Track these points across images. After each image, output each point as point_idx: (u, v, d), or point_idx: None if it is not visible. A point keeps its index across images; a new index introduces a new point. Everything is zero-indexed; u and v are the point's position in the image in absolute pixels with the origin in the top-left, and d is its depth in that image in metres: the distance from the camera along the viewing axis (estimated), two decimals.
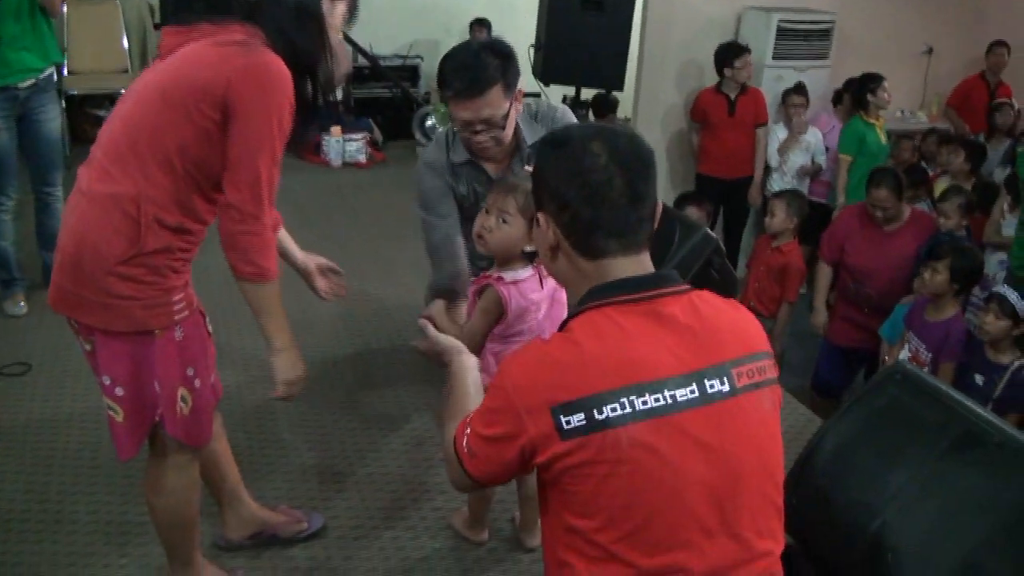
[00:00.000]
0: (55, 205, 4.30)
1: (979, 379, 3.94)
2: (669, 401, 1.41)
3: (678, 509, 1.40)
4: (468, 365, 1.85)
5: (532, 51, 5.85)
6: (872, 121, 5.93)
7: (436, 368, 2.37)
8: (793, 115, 6.15)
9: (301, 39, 2.05)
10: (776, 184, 6.23)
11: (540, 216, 1.57)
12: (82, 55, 6.55)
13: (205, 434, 2.26)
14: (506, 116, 2.82)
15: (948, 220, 4.71)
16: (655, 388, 1.41)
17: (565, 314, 2.48)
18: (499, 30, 6.13)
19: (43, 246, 4.36)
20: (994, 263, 4.89)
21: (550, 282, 2.47)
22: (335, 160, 6.56)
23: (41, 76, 4.01)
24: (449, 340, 1.93)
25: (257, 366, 3.65)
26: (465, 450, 1.56)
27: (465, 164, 3.04)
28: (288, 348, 2.24)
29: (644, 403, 1.40)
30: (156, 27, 6.77)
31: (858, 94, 5.97)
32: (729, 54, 6.02)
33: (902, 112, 7.42)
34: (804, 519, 2.35)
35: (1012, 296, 3.77)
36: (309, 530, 2.75)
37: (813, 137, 6.25)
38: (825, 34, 6.61)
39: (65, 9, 4.72)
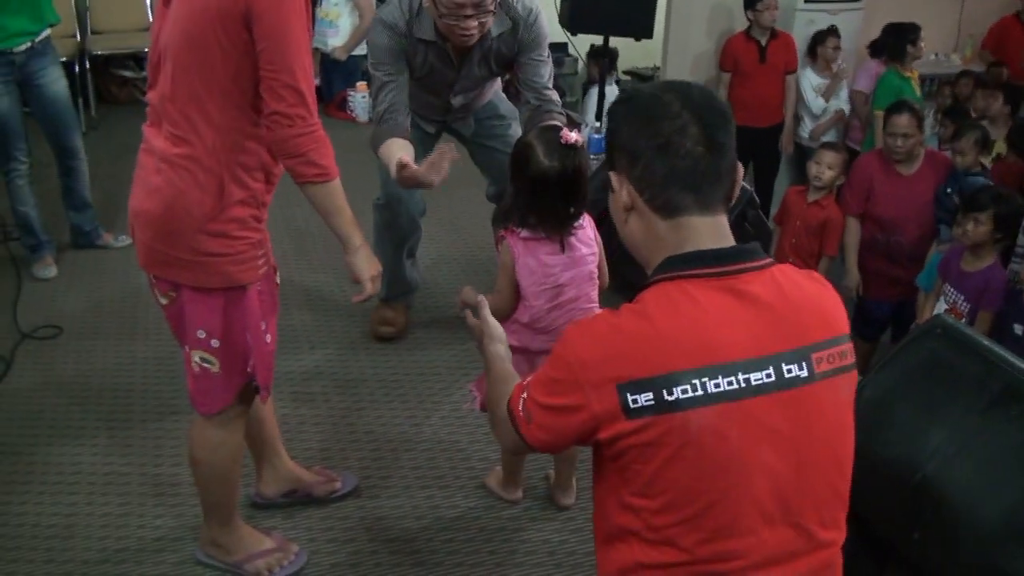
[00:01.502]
0: (80, 168, 4.28)
1: (1018, 329, 3.87)
2: (742, 385, 1.33)
3: (742, 496, 1.34)
4: (498, 354, 1.76)
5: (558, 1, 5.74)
6: (908, 74, 5.75)
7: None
8: (832, 58, 6.01)
9: None
10: (810, 131, 6.12)
11: (612, 177, 1.47)
12: (104, 14, 6.46)
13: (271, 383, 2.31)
14: (493, 2, 2.79)
15: (964, 157, 4.54)
16: (729, 371, 1.32)
17: (596, 288, 2.49)
18: None
19: (70, 207, 4.35)
20: None
21: (577, 249, 2.42)
22: (361, 115, 6.51)
23: (37, 39, 3.95)
24: (481, 328, 1.83)
25: (289, 328, 3.65)
26: (521, 414, 1.48)
27: (427, 41, 2.99)
28: (365, 243, 2.22)
29: (716, 386, 1.32)
30: None
31: (895, 45, 5.77)
32: None
33: (936, 55, 7.24)
34: None
35: None
36: (343, 490, 2.75)
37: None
38: None
39: None
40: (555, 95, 3.14)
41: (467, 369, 3.42)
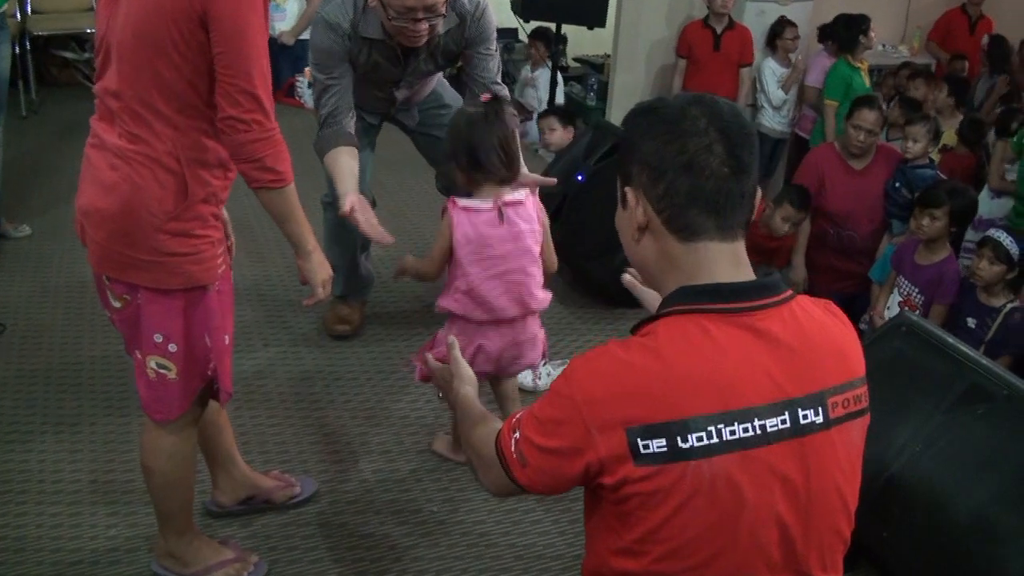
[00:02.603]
0: None
1: (971, 322, 3.91)
2: (758, 432, 1.27)
3: (750, 546, 1.29)
4: (469, 396, 1.68)
5: None
6: (858, 65, 5.82)
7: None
8: (791, 48, 6.08)
9: None
10: (772, 120, 6.17)
11: (628, 192, 1.37)
12: None
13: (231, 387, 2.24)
14: (446, 2, 2.76)
15: (915, 144, 4.54)
16: (745, 417, 1.27)
17: (537, 264, 2.54)
18: None
19: None
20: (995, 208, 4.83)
21: (516, 224, 2.48)
22: (309, 102, 6.37)
23: None
24: (449, 371, 1.77)
25: (240, 324, 3.55)
26: (514, 456, 1.38)
27: (372, 39, 2.94)
28: (317, 248, 2.19)
29: (732, 433, 1.26)
30: None
31: (847, 36, 5.82)
32: None
33: (883, 46, 7.31)
34: None
35: (1006, 240, 3.71)
36: (302, 495, 2.67)
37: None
38: None
39: None
40: (503, 90, 3.12)
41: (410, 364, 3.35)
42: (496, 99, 2.52)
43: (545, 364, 3.26)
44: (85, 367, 3.29)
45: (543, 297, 2.58)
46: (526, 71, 6.52)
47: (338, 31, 2.88)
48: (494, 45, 3.11)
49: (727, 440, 1.25)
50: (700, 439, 1.24)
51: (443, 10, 2.77)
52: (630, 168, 1.37)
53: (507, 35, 7.11)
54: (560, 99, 6.38)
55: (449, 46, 3.06)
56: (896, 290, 4.23)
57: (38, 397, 3.11)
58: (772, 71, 6.11)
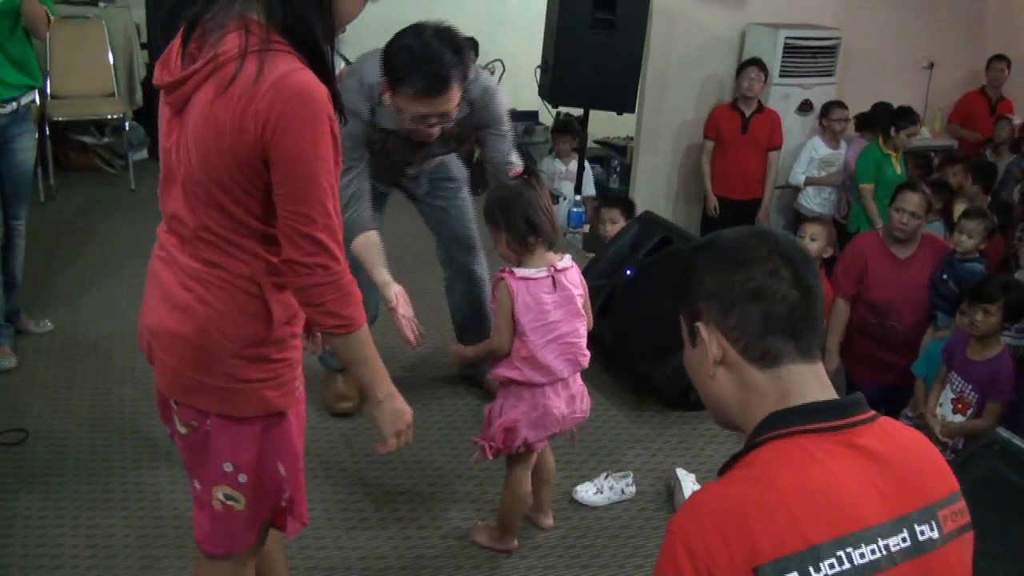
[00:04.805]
0: (21, 245, 3.96)
1: None
2: (884, 553, 1.19)
3: None
4: None
5: (539, 72, 5.62)
6: (889, 152, 5.79)
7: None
8: (839, 130, 6.12)
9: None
10: (813, 200, 6.12)
11: (700, 328, 1.33)
12: (66, 78, 6.12)
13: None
14: (457, 105, 2.76)
15: (969, 239, 4.46)
16: (870, 538, 1.19)
17: (585, 325, 2.64)
18: (488, 47, 5.89)
19: (5, 285, 3.90)
20: None
21: (567, 288, 2.59)
22: None
23: (22, 102, 3.78)
24: None
25: None
26: None
27: (388, 129, 2.96)
28: (390, 396, 1.99)
29: (861, 556, 1.18)
30: (143, 47, 6.43)
31: (885, 124, 5.83)
32: (740, 67, 6.01)
33: None
34: None
35: None
36: None
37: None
38: (831, 51, 6.51)
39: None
40: (517, 167, 3.06)
41: (451, 447, 3.18)
42: (528, 171, 2.69)
43: (607, 477, 3.11)
44: (116, 477, 3.11)
45: (588, 354, 2.71)
46: (552, 162, 6.40)
47: (361, 117, 2.91)
48: (506, 125, 3.13)
49: (858, 564, 1.18)
50: (832, 566, 1.17)
51: (455, 113, 2.79)
52: (697, 305, 1.36)
53: (528, 118, 7.06)
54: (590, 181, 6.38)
55: (461, 132, 3.11)
56: (949, 386, 4.08)
57: (66, 513, 2.92)
58: (817, 151, 6.18)
